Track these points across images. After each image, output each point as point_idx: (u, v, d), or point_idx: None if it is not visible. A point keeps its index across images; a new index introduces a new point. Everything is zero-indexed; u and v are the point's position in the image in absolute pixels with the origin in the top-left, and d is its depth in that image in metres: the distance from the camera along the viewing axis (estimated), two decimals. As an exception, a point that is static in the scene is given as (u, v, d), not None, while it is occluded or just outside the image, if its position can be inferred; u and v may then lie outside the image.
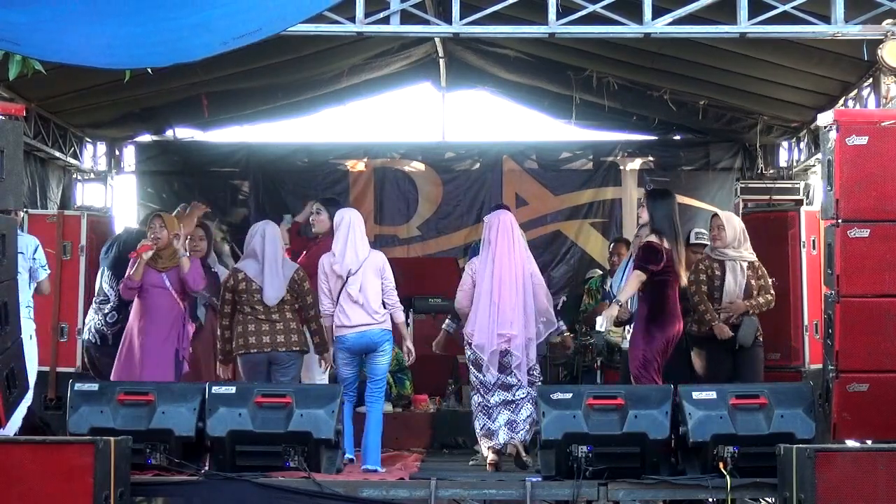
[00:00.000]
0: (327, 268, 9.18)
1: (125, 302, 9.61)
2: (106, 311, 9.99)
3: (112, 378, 9.25)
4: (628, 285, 9.26)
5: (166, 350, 9.27)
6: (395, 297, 9.25)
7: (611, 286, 10.53)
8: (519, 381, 9.09)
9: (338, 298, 9.11)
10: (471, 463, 9.59)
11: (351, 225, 9.22)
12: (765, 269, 9.79)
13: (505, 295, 9.08)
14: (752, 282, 9.63)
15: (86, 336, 10.21)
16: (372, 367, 9.20)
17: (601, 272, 12.59)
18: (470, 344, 9.19)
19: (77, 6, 5.99)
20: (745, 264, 9.63)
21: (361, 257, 9.15)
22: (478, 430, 9.22)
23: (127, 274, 9.35)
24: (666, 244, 9.17)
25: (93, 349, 10.15)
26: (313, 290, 9.39)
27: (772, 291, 9.69)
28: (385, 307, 9.19)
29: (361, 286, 9.09)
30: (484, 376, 9.13)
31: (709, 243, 10.07)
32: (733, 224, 9.74)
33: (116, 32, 6.35)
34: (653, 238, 9.20)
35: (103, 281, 10.15)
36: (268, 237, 9.41)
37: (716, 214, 9.99)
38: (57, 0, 5.96)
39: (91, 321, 10.17)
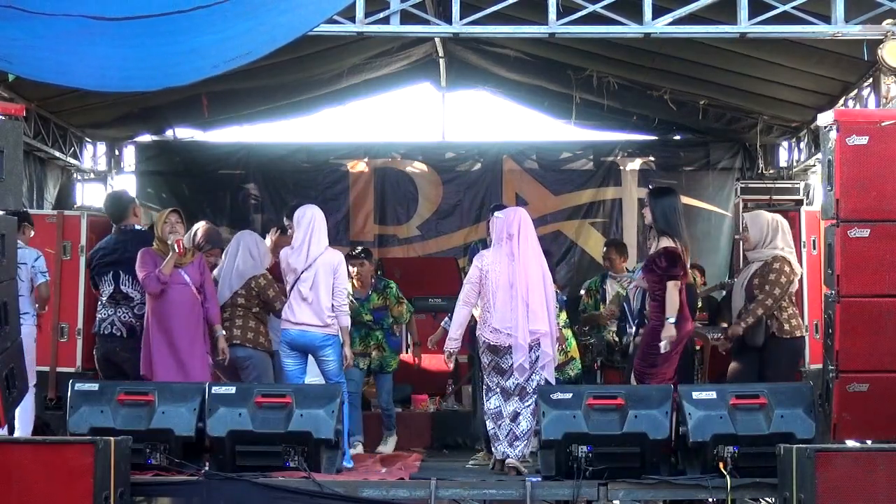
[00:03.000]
0: (283, 262, 9.23)
1: None
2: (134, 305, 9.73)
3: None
4: (671, 299, 8.80)
5: (200, 347, 9.22)
6: (343, 298, 9.19)
7: (626, 293, 10.50)
8: (537, 383, 8.77)
9: (289, 293, 9.16)
10: (470, 463, 9.58)
11: (313, 221, 9.20)
12: (781, 266, 9.38)
13: (534, 291, 8.81)
14: (756, 280, 9.44)
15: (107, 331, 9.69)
16: (322, 370, 9.25)
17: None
18: (491, 347, 8.79)
19: (72, 26, 6.00)
20: (759, 264, 9.52)
21: (315, 254, 9.13)
22: (490, 430, 8.91)
23: (154, 268, 9.08)
24: (678, 244, 9.00)
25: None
26: None
27: (769, 297, 9.35)
28: (333, 309, 9.13)
29: (313, 284, 9.07)
30: (506, 381, 8.78)
31: None
32: (759, 224, 9.51)
33: (109, 54, 6.37)
34: (666, 242, 8.90)
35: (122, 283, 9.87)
36: (233, 243, 9.78)
37: (743, 217, 9.89)
38: (53, 18, 5.97)
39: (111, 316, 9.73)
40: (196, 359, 9.18)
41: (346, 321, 9.24)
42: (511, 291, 8.78)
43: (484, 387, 8.99)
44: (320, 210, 9.42)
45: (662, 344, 8.75)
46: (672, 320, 8.76)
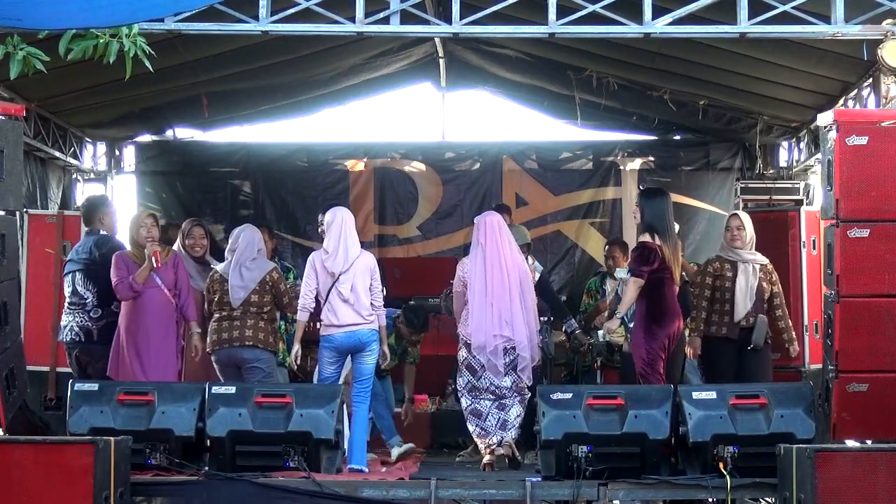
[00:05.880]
0: (318, 265, 9.18)
1: (106, 301, 9.51)
2: (88, 309, 9.74)
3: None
4: (627, 295, 9.09)
5: (167, 349, 9.20)
6: (381, 299, 9.28)
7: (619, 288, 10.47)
8: (514, 383, 9.01)
9: (327, 297, 9.10)
10: (457, 459, 9.62)
11: (344, 223, 9.24)
12: (776, 273, 9.78)
13: (498, 295, 9.03)
14: (765, 284, 9.62)
15: (68, 337, 9.71)
16: (358, 367, 9.19)
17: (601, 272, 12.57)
18: (467, 345, 9.10)
19: None
20: (758, 266, 9.62)
21: (352, 256, 9.16)
22: (472, 432, 9.17)
23: (128, 276, 9.14)
24: (658, 241, 9.10)
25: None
26: None
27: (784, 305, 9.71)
28: (372, 308, 9.18)
29: (353, 285, 9.09)
30: (477, 381, 9.05)
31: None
32: (751, 224, 9.75)
33: None
34: (646, 237, 9.10)
35: (77, 283, 9.86)
36: (241, 239, 9.61)
37: (734, 214, 10.00)
38: None
39: (71, 322, 9.71)
40: (161, 362, 9.13)
41: (384, 319, 9.33)
42: (484, 296, 9.04)
43: (457, 388, 9.26)
44: (349, 212, 9.47)
45: (600, 333, 9.14)
46: (619, 314, 9.06)
